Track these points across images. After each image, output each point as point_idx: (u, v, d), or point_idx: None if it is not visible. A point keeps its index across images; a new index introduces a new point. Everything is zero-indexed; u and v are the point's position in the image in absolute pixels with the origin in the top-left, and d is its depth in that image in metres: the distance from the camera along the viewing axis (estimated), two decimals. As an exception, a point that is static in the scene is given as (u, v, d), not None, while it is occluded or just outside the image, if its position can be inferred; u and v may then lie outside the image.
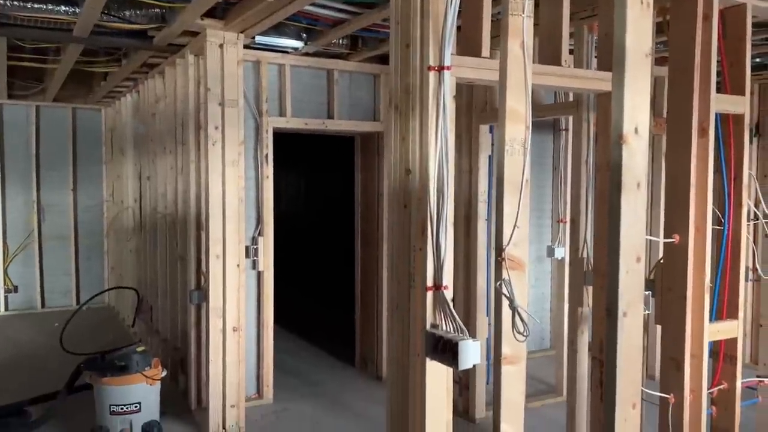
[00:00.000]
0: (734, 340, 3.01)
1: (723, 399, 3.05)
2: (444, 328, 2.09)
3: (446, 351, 1.99)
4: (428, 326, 2.10)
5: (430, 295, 2.09)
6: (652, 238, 2.91)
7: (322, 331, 6.66)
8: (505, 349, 1.86)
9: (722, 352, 3.06)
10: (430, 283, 2.09)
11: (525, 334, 1.80)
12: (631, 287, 1.69)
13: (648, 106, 1.70)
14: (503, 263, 1.81)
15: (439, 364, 2.10)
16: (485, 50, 2.29)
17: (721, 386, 3.05)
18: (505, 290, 1.81)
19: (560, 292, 4.75)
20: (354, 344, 5.53)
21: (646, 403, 3.06)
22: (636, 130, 1.69)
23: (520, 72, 1.83)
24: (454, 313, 2.03)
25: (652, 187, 4.53)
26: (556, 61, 2.48)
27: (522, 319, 1.79)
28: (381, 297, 5.16)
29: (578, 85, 2.51)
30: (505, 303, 1.82)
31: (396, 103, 2.25)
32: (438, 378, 2.12)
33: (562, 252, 4.62)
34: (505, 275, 1.81)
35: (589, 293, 3.48)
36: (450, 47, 2.03)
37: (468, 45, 2.33)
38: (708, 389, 2.92)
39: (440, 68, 2.03)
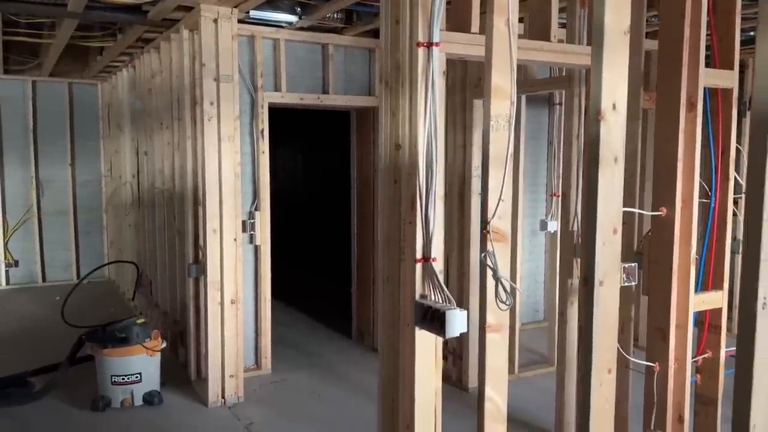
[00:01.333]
0: (719, 311, 3.08)
1: (707, 367, 3.13)
2: (432, 298, 2.16)
3: (434, 320, 2.06)
4: (417, 297, 2.16)
5: (419, 267, 2.16)
6: (639, 211, 2.98)
7: (319, 305, 6.75)
8: (489, 318, 1.92)
9: (707, 322, 3.14)
10: (419, 255, 2.15)
11: (507, 303, 1.87)
12: (607, 258, 1.75)
13: (626, 83, 1.74)
14: (488, 236, 1.87)
15: (428, 333, 2.17)
16: (474, 26, 2.32)
17: (706, 355, 3.14)
18: (489, 261, 1.87)
19: (553, 264, 4.82)
20: (351, 317, 5.62)
21: (633, 372, 3.15)
22: (614, 106, 1.73)
23: (506, 49, 1.86)
24: (442, 284, 2.10)
25: (645, 161, 4.58)
26: (545, 36, 2.51)
27: (505, 289, 1.86)
28: (377, 270, 5.23)
29: (567, 60, 2.54)
30: (489, 273, 1.88)
31: (386, 79, 2.28)
32: (427, 346, 2.19)
33: (555, 225, 4.68)
34: (489, 247, 1.86)
35: (578, 265, 3.55)
36: (439, 23, 2.06)
37: (457, 21, 2.36)
38: (693, 358, 3.00)
39: (429, 44, 2.07)
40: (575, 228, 3.54)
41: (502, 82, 1.87)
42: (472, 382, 4.42)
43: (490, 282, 1.89)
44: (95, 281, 7.36)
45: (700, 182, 2.89)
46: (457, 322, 1.97)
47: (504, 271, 1.87)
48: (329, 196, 9.22)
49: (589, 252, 1.73)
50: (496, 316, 1.91)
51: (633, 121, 3.09)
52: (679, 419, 2.99)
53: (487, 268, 1.87)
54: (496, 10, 1.86)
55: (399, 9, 2.16)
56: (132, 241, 6.72)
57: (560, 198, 4.57)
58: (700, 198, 2.91)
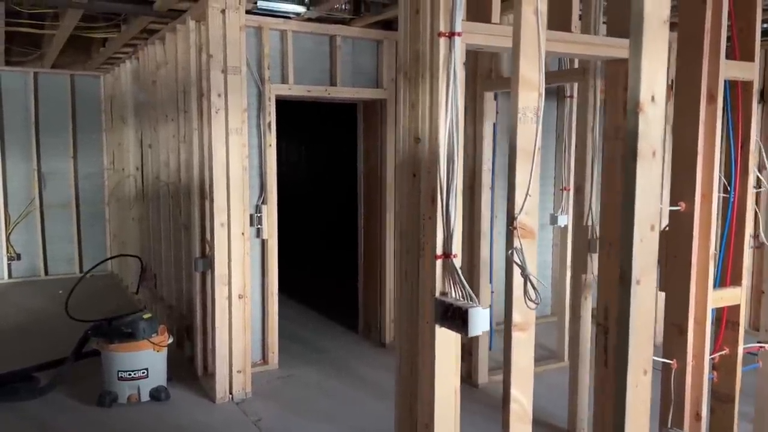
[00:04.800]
0: (737, 307, 3.03)
1: (725, 364, 3.09)
2: (453, 295, 2.11)
3: (455, 318, 2.01)
4: (437, 294, 2.11)
5: (439, 263, 2.11)
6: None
7: (324, 299, 6.71)
8: (516, 317, 1.87)
9: (725, 319, 3.09)
10: (439, 251, 2.10)
11: (536, 301, 1.82)
12: (644, 255, 1.70)
13: (665, 74, 1.69)
14: (515, 232, 1.82)
15: (448, 330, 2.12)
16: (495, 16, 2.26)
17: (723, 352, 3.10)
18: (516, 258, 1.82)
19: (563, 259, 4.77)
20: (357, 311, 5.58)
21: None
22: (653, 99, 1.68)
23: (534, 39, 1.81)
24: (464, 281, 2.05)
25: (663, 154, 4.52)
26: (565, 27, 2.45)
27: (534, 287, 1.81)
28: (384, 264, 5.18)
29: (588, 51, 2.48)
30: (517, 271, 1.83)
31: (405, 70, 2.23)
32: (447, 344, 2.15)
33: (565, 220, 4.63)
34: (516, 243, 1.81)
35: (593, 260, 3.51)
36: (461, 13, 2.00)
37: (478, 11, 2.30)
38: (710, 355, 2.96)
39: (451, 34, 2.01)
40: (589, 223, 3.49)
41: (531, 73, 1.81)
42: (482, 378, 4.38)
43: (517, 279, 1.84)
44: (98, 275, 7.30)
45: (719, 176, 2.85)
46: (480, 320, 1.93)
47: (532, 268, 1.82)
48: (334, 189, 9.17)
49: (626, 249, 1.68)
50: (523, 314, 1.86)
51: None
52: (697, 416, 2.95)
53: (514, 265, 1.82)
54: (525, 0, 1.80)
55: (419, -2, 2.10)
56: (135, 235, 6.67)
57: (572, 192, 4.53)
58: (719, 192, 2.87)
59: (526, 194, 1.83)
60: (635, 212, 1.67)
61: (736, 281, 3.01)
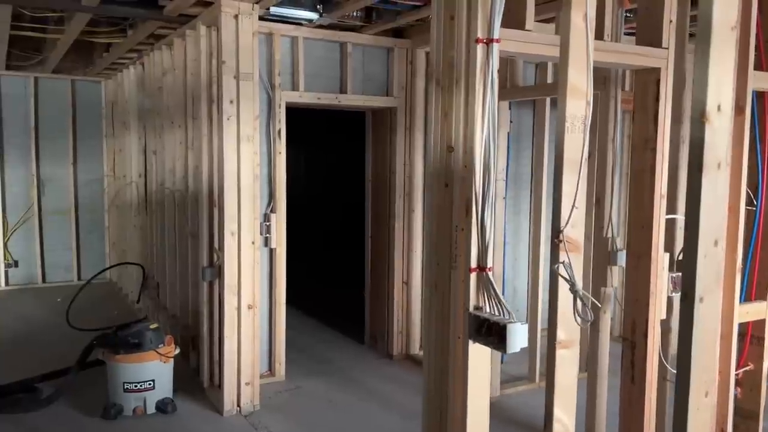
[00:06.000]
0: (762, 322, 2.98)
1: (749, 380, 3.04)
2: (488, 310, 2.04)
3: (492, 334, 1.95)
4: (471, 308, 2.05)
5: (473, 276, 2.04)
6: (683, 217, 2.88)
7: (330, 309, 6.62)
8: (560, 334, 1.81)
9: (749, 333, 3.04)
10: (473, 264, 2.04)
11: (588, 319, 1.76)
12: (708, 271, 1.65)
13: (732, 83, 1.64)
14: (560, 245, 1.76)
15: (482, 346, 2.05)
16: (529, 23, 2.21)
17: (748, 367, 3.04)
18: (564, 273, 1.75)
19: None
20: (363, 322, 5.50)
21: (671, 384, 3.05)
22: (719, 108, 1.62)
23: (582, 45, 1.75)
24: (500, 295, 1.98)
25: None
26: (598, 35, 2.40)
27: (584, 303, 1.74)
28: (392, 274, 5.11)
29: (620, 60, 2.42)
30: (563, 286, 1.77)
31: (437, 77, 2.17)
32: (480, 360, 2.08)
33: (578, 231, 4.57)
34: (563, 258, 1.75)
35: (613, 273, 3.45)
36: (500, 18, 1.95)
37: (511, 17, 2.24)
38: (734, 370, 2.90)
39: (489, 41, 1.95)
40: (609, 235, 3.43)
41: (579, 81, 1.76)
42: (494, 392, 4.30)
43: (563, 294, 1.77)
44: (96, 283, 7.16)
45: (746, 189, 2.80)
46: (519, 336, 1.86)
47: (581, 284, 1.75)
48: (340, 197, 9.09)
49: (689, 265, 1.62)
50: (568, 331, 1.79)
51: (676, 124, 2.99)
52: (722, 433, 2.89)
53: (561, 279, 1.76)
54: (574, 5, 1.75)
55: (455, 4, 2.04)
56: (137, 243, 6.56)
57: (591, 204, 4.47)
58: (745, 205, 2.82)
59: (573, 206, 1.77)
60: (699, 226, 1.61)
61: (762, 295, 2.96)
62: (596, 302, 1.82)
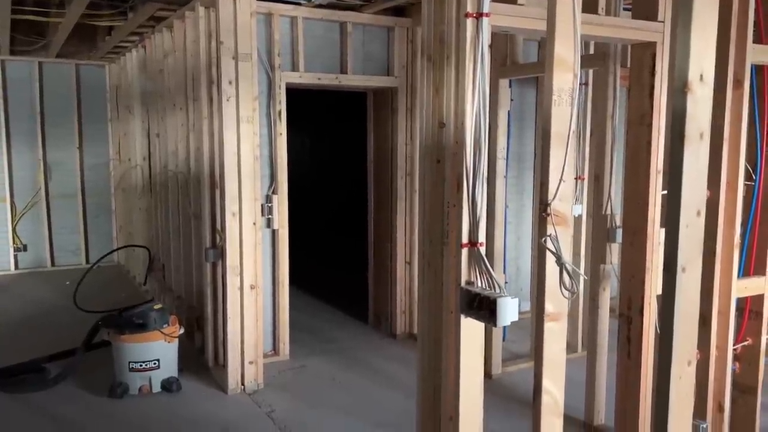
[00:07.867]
0: (761, 297, 2.98)
1: (747, 355, 3.05)
2: (479, 285, 2.05)
3: (483, 308, 1.96)
4: (463, 283, 2.06)
5: (465, 252, 2.05)
6: (681, 193, 2.87)
7: (333, 289, 6.66)
8: (548, 306, 1.82)
9: (748, 309, 3.04)
10: (465, 239, 2.05)
11: (573, 291, 1.77)
12: (690, 242, 1.65)
13: (714, 51, 1.63)
14: (548, 218, 1.76)
15: (474, 321, 2.07)
16: (521, -3, 2.19)
17: (746, 342, 3.05)
18: (551, 246, 1.76)
19: (577, 248, 4.71)
20: (366, 302, 5.53)
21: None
22: (701, 77, 1.61)
23: (569, 17, 1.74)
24: (491, 270, 1.99)
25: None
26: (592, 8, 2.38)
27: (570, 275, 1.75)
28: (395, 254, 5.13)
29: (615, 34, 2.41)
30: (550, 259, 1.78)
31: (428, 53, 2.16)
32: (472, 335, 2.10)
33: (579, 209, 4.56)
34: (551, 231, 1.76)
35: (611, 250, 3.45)
36: (489, -7, 1.93)
37: (503, -8, 2.23)
38: (733, 346, 2.91)
39: (479, 15, 1.94)
40: (608, 212, 3.43)
41: (565, 53, 1.75)
42: (496, 369, 4.34)
43: (550, 268, 1.78)
44: (104, 265, 7.26)
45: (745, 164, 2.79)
46: (509, 309, 1.87)
47: (567, 256, 1.76)
48: (343, 178, 9.10)
49: (671, 236, 1.62)
50: (556, 304, 1.81)
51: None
52: (719, 408, 2.91)
53: (547, 252, 1.77)
54: (560, -23, 1.73)
55: (444, -22, 2.03)
56: (143, 225, 6.62)
57: (586, 181, 4.46)
58: (744, 180, 2.81)
59: (560, 180, 1.77)
60: (681, 196, 1.61)
61: (761, 270, 2.95)
62: (581, 274, 1.82)
